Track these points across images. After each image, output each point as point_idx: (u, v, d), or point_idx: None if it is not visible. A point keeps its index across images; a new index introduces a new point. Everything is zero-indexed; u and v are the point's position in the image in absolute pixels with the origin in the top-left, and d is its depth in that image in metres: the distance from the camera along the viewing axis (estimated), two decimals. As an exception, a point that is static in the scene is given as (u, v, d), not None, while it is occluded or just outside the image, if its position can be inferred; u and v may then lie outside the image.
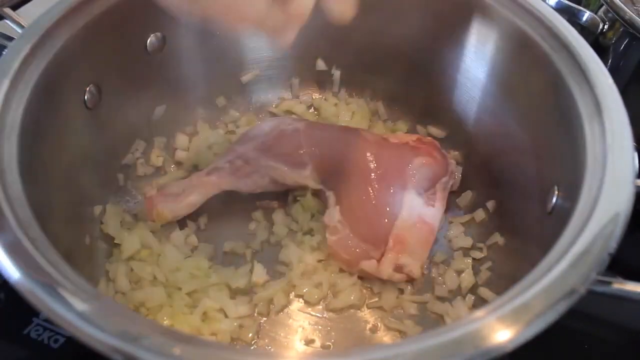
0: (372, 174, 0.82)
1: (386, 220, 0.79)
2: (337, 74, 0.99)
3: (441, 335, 0.46)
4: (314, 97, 1.02)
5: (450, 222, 0.86)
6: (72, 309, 0.47)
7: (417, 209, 0.80)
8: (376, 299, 0.77)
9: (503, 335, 0.46)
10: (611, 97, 0.63)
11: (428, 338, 0.46)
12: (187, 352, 0.44)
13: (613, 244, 0.52)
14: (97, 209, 0.80)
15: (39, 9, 0.73)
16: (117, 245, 0.79)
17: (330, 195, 0.83)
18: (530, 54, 0.74)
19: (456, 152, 0.92)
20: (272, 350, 0.72)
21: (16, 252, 0.51)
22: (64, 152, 0.71)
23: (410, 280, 0.78)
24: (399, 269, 0.77)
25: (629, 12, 0.84)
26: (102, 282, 0.75)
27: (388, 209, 0.80)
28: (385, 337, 0.74)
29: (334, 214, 0.80)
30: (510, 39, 0.78)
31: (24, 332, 0.72)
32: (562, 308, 0.48)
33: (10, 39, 0.77)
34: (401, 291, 0.78)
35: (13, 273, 0.49)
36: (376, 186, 0.81)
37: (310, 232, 0.84)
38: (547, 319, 0.47)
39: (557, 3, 0.90)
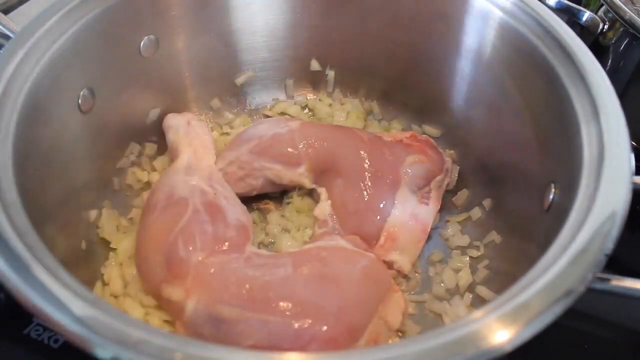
0: (365, 172, 0.82)
1: (378, 217, 0.80)
2: (331, 74, 0.99)
3: (441, 335, 0.46)
4: (308, 98, 1.02)
5: (447, 221, 0.86)
6: (70, 314, 0.47)
7: (410, 207, 0.81)
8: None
9: (502, 335, 0.46)
10: (608, 98, 0.64)
11: (428, 339, 0.46)
12: (188, 357, 0.44)
13: (611, 242, 0.52)
14: (93, 214, 0.80)
15: (33, 12, 0.73)
16: (113, 249, 0.79)
17: (323, 191, 0.83)
18: (526, 54, 0.74)
19: (452, 151, 0.92)
20: (272, 350, 0.72)
21: (12, 258, 0.50)
22: (58, 157, 0.71)
23: (403, 274, 0.79)
24: (388, 265, 0.78)
25: (629, 12, 0.85)
26: (97, 286, 0.75)
27: (380, 206, 0.80)
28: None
29: (324, 208, 0.81)
30: (507, 39, 0.78)
31: (24, 332, 0.72)
32: (561, 307, 0.48)
33: (6, 38, 0.76)
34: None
35: (9, 280, 0.49)
36: (369, 183, 0.81)
37: (303, 227, 0.84)
38: (546, 318, 0.47)
39: (557, 3, 0.90)
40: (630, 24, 0.85)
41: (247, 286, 0.65)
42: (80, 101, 0.75)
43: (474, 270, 0.79)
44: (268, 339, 0.62)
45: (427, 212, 0.82)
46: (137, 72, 0.85)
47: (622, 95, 0.64)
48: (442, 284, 0.79)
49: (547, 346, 0.66)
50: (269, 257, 0.71)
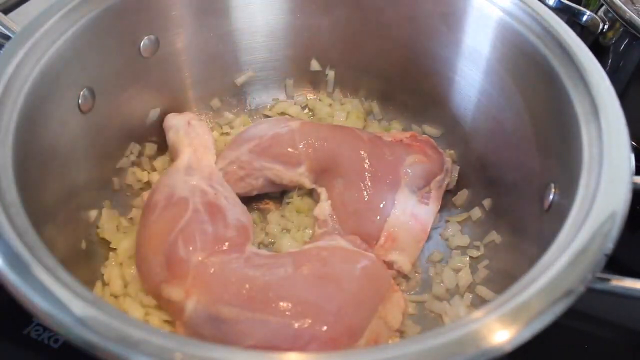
0: (365, 172, 0.82)
1: (378, 217, 0.80)
2: (331, 74, 0.99)
3: (441, 335, 0.46)
4: (308, 98, 1.02)
5: (447, 221, 0.86)
6: (70, 314, 0.47)
7: (410, 207, 0.81)
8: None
9: (502, 335, 0.46)
10: (608, 97, 0.64)
11: (428, 339, 0.46)
12: (188, 357, 0.44)
13: (611, 242, 0.52)
14: (93, 214, 0.80)
15: (33, 12, 0.73)
16: (113, 249, 0.79)
17: (322, 191, 0.83)
18: (526, 54, 0.74)
19: (452, 151, 0.92)
20: (271, 350, 0.72)
21: (12, 258, 0.51)
22: (58, 157, 0.71)
23: (403, 274, 0.79)
24: (388, 265, 0.78)
25: (629, 12, 0.85)
26: (97, 286, 0.75)
27: (380, 206, 0.80)
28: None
29: (324, 208, 0.81)
30: (507, 39, 0.78)
31: (24, 332, 0.72)
32: (561, 307, 0.48)
33: (6, 38, 0.76)
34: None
35: (9, 280, 0.49)
36: (369, 183, 0.81)
37: (303, 227, 0.84)
38: (546, 318, 0.47)
39: (557, 3, 0.90)
40: (630, 24, 0.85)
41: (247, 286, 0.65)
42: (80, 101, 0.75)
43: (474, 270, 0.79)
44: (268, 339, 0.62)
45: (427, 212, 0.82)
46: (137, 72, 0.85)
47: (622, 95, 0.64)
48: (442, 284, 0.79)
49: (547, 346, 0.66)
50: (269, 257, 0.71)
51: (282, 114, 1.00)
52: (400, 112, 0.98)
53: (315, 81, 1.01)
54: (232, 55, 0.95)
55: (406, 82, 0.95)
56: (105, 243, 0.79)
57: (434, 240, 0.84)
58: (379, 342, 0.66)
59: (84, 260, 0.75)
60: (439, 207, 0.84)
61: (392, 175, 0.82)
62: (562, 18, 0.74)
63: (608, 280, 0.55)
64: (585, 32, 0.91)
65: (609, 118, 0.62)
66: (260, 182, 0.84)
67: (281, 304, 0.63)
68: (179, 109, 0.93)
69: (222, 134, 0.96)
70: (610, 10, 0.88)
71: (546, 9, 0.75)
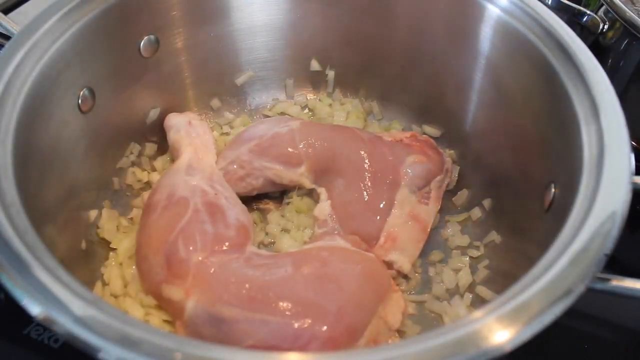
0: (365, 172, 0.82)
1: (378, 217, 0.79)
2: (331, 74, 0.99)
3: (441, 335, 0.46)
4: (308, 98, 1.02)
5: (447, 221, 0.86)
6: (70, 314, 0.47)
7: (410, 207, 0.81)
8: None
9: (502, 335, 0.46)
10: (608, 97, 0.64)
11: (428, 339, 0.46)
12: (188, 357, 0.44)
13: (611, 242, 0.52)
14: (93, 214, 0.80)
15: (33, 12, 0.73)
16: (113, 249, 0.79)
17: (322, 191, 0.83)
18: (526, 54, 0.74)
19: (452, 151, 0.92)
20: (271, 350, 0.72)
21: (12, 258, 0.51)
22: (58, 157, 0.71)
23: (403, 274, 0.78)
24: (388, 265, 0.78)
25: (629, 12, 0.85)
26: (97, 286, 0.75)
27: (380, 206, 0.80)
28: (384, 336, 0.74)
29: (324, 208, 0.81)
30: (507, 39, 0.78)
31: (24, 332, 0.73)
32: (561, 308, 0.48)
33: (6, 38, 0.76)
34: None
35: (9, 280, 0.49)
36: (369, 184, 0.81)
37: (303, 228, 0.84)
38: (546, 318, 0.47)
39: (557, 3, 0.90)
40: (630, 24, 0.85)
41: (247, 286, 0.65)
42: (80, 101, 0.75)
43: (474, 270, 0.79)
44: (268, 339, 0.62)
45: (427, 212, 0.82)
46: (137, 72, 0.85)
47: (622, 95, 0.64)
48: (442, 284, 0.79)
49: (547, 346, 0.66)
50: (269, 257, 0.71)
51: (282, 114, 1.00)
52: (400, 112, 0.98)
53: (315, 81, 1.01)
54: (232, 55, 0.95)
55: (406, 82, 0.95)
56: (105, 243, 0.79)
57: (434, 240, 0.84)
58: (379, 342, 0.66)
59: (84, 260, 0.75)
60: (439, 207, 0.84)
61: (392, 176, 0.82)
62: (562, 18, 0.74)
63: (608, 280, 0.55)
64: (585, 32, 0.91)
65: (609, 118, 0.62)
66: (260, 182, 0.84)
67: (281, 303, 0.63)
68: (179, 109, 0.93)
69: (222, 134, 0.96)
70: (610, 10, 0.88)
71: (546, 9, 0.75)
